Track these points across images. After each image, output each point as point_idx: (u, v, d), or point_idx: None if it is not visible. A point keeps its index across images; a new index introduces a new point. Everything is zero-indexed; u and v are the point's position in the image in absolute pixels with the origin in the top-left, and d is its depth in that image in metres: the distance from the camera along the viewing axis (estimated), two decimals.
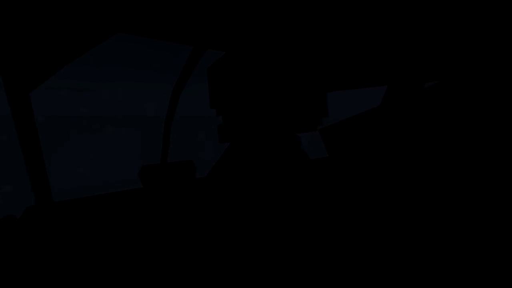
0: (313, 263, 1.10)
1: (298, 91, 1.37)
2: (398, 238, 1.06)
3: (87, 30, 1.46)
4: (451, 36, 1.06)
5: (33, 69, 1.49)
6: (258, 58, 1.38)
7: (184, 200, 1.43)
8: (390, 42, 1.15)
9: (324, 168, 1.32)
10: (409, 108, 1.15)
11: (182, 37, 1.46)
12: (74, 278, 1.08)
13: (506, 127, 0.94)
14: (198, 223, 1.31)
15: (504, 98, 0.95)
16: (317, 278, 1.06)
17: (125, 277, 1.07)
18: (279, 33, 1.35)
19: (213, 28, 1.41)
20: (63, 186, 5.20)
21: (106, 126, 5.60)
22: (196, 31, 1.41)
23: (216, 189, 1.45)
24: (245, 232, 1.26)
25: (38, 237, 1.21)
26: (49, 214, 1.31)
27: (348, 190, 1.22)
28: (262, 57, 1.37)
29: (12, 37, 1.42)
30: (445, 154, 1.10)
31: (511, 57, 0.96)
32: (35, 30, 1.44)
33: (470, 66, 1.06)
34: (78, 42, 1.47)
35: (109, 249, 1.18)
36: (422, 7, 1.09)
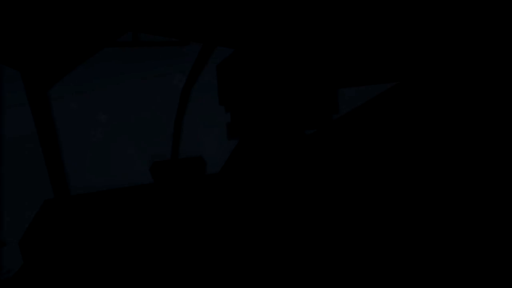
0: (315, 264, 1.09)
1: (308, 87, 1.36)
2: (395, 235, 1.05)
3: (99, 29, 1.50)
4: (456, 34, 1.03)
5: (50, 68, 1.56)
6: (267, 54, 1.37)
7: (195, 197, 1.45)
8: (398, 38, 1.12)
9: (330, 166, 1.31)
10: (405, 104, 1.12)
11: (192, 35, 1.47)
12: (84, 270, 1.12)
13: (505, 127, 0.91)
14: (207, 222, 1.34)
15: (503, 98, 0.92)
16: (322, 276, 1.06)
17: (128, 272, 1.10)
18: (288, 29, 1.34)
19: (222, 25, 1.41)
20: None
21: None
22: (205, 28, 1.43)
23: (226, 187, 1.47)
24: (252, 232, 1.27)
25: (55, 229, 1.27)
26: (65, 207, 1.37)
27: (351, 190, 1.20)
28: (272, 54, 1.37)
29: (29, 38, 1.47)
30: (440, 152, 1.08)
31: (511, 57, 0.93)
32: (49, 31, 1.49)
33: (473, 65, 1.03)
34: (91, 41, 1.51)
35: (118, 244, 1.22)
36: (429, 6, 1.06)
